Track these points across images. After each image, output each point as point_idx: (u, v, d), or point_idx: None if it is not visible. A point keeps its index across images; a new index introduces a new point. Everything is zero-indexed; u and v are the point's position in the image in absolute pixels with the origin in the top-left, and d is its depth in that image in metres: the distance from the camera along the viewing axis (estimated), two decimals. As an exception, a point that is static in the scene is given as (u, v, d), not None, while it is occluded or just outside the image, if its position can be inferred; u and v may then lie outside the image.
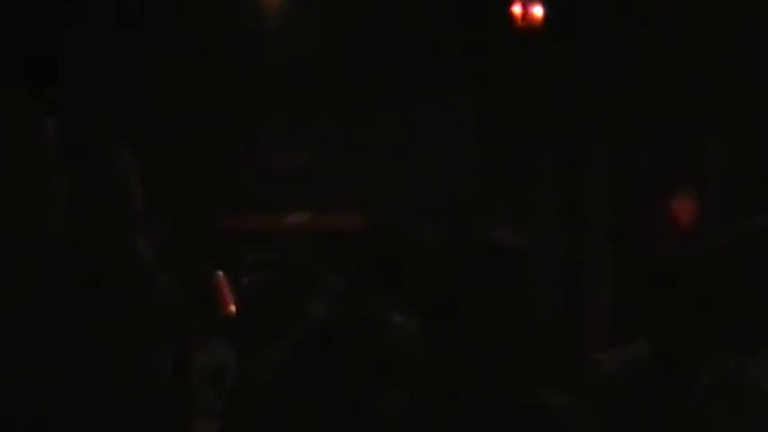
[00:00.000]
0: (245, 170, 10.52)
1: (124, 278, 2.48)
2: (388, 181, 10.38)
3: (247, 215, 9.80)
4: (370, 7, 9.74)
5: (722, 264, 2.28)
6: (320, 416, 2.97)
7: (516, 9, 7.78)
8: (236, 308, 6.20)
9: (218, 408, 5.84)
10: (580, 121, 9.51)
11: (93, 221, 3.11)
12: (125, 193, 3.28)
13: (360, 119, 10.70)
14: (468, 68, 10.24)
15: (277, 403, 3.15)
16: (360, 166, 10.57)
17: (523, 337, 2.07)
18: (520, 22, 7.86)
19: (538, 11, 7.83)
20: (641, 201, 9.02)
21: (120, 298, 2.41)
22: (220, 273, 6.35)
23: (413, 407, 2.14)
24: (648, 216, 8.78)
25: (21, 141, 2.17)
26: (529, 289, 2.11)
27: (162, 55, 9.70)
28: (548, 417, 2.08)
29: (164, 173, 9.58)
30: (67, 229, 2.23)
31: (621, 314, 8.73)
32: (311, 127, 10.70)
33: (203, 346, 5.97)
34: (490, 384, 2.05)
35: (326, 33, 9.97)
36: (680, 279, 3.11)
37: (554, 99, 9.60)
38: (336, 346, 3.06)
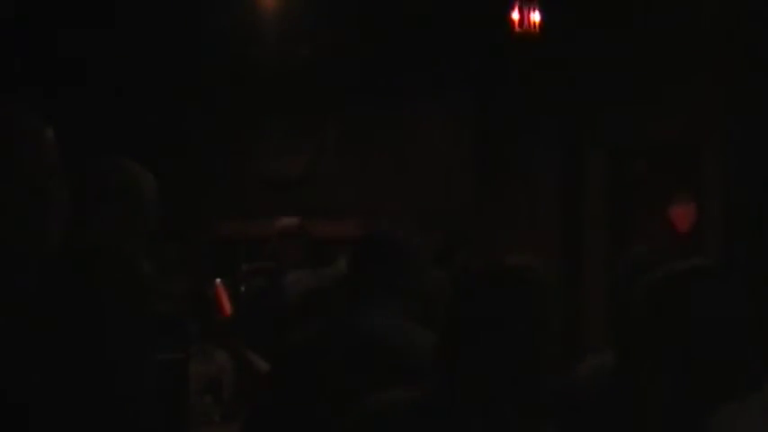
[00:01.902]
0: (243, 176, 10.52)
1: (122, 288, 2.47)
2: (386, 187, 10.38)
3: (246, 221, 9.79)
4: (369, 12, 9.74)
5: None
6: (317, 418, 2.97)
7: (514, 15, 7.78)
8: (234, 315, 6.19)
9: (216, 416, 5.82)
10: (578, 126, 9.52)
11: (92, 231, 3.11)
12: (124, 202, 3.28)
13: (358, 124, 10.70)
14: (467, 74, 10.25)
15: (276, 406, 3.16)
16: (358, 172, 10.57)
17: (541, 366, 2.06)
18: (518, 28, 7.86)
19: (536, 16, 7.83)
20: (640, 206, 9.02)
21: (117, 307, 2.40)
22: (218, 280, 6.33)
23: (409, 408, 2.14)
24: (647, 221, 8.77)
25: (20, 151, 2.16)
26: (546, 317, 2.10)
27: (159, 60, 9.69)
28: None
29: (161, 180, 9.57)
30: (65, 240, 2.22)
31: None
32: (310, 133, 10.70)
33: (201, 354, 5.96)
34: (497, 410, 2.05)
35: (325, 38, 9.97)
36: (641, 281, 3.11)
37: (552, 104, 9.61)
38: (332, 352, 3.06)
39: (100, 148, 3.85)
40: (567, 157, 9.73)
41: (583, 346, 8.22)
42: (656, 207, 8.58)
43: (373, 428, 2.15)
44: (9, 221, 2.13)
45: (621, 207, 9.20)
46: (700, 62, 8.04)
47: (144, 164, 3.60)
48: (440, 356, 2.14)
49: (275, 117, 10.61)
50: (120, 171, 3.36)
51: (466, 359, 2.06)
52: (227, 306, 6.24)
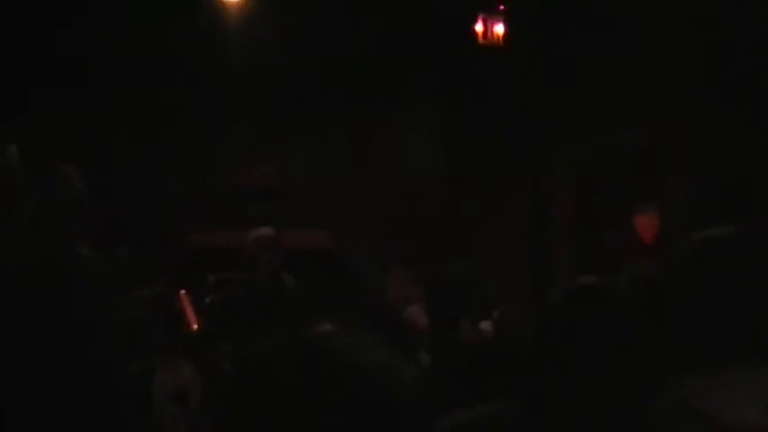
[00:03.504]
0: (212, 187, 10.50)
1: (82, 297, 2.49)
2: (356, 196, 10.40)
3: (215, 232, 9.77)
4: (340, 24, 9.76)
5: (676, 278, 2.21)
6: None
7: (478, 27, 7.86)
8: (200, 326, 6.20)
9: (181, 427, 5.82)
10: (545, 137, 9.59)
11: (49, 241, 3.11)
12: (73, 212, 3.28)
13: (328, 135, 10.72)
14: (437, 85, 10.30)
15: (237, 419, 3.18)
16: (328, 182, 10.58)
17: (631, 386, 2.04)
18: (482, 40, 7.93)
19: (499, 29, 7.91)
20: (606, 216, 9.09)
21: (81, 318, 2.41)
22: (183, 291, 6.34)
23: None
24: (613, 231, 8.84)
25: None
26: (632, 338, 2.08)
27: (129, 71, 9.67)
28: None
29: (130, 190, 9.56)
30: (26, 252, 2.24)
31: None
32: (280, 143, 10.70)
33: (166, 365, 5.96)
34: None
35: (296, 50, 9.98)
36: (643, 298, 3.15)
37: (518, 114, 9.68)
38: (282, 366, 3.09)
39: (66, 156, 3.85)
40: (535, 165, 9.81)
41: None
42: (622, 217, 8.65)
43: None
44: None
45: (588, 214, 9.28)
46: (665, 72, 8.12)
47: (112, 173, 3.63)
48: (527, 375, 2.10)
49: (245, 127, 10.60)
50: (64, 185, 3.35)
51: (554, 381, 2.04)
52: (192, 318, 6.25)
